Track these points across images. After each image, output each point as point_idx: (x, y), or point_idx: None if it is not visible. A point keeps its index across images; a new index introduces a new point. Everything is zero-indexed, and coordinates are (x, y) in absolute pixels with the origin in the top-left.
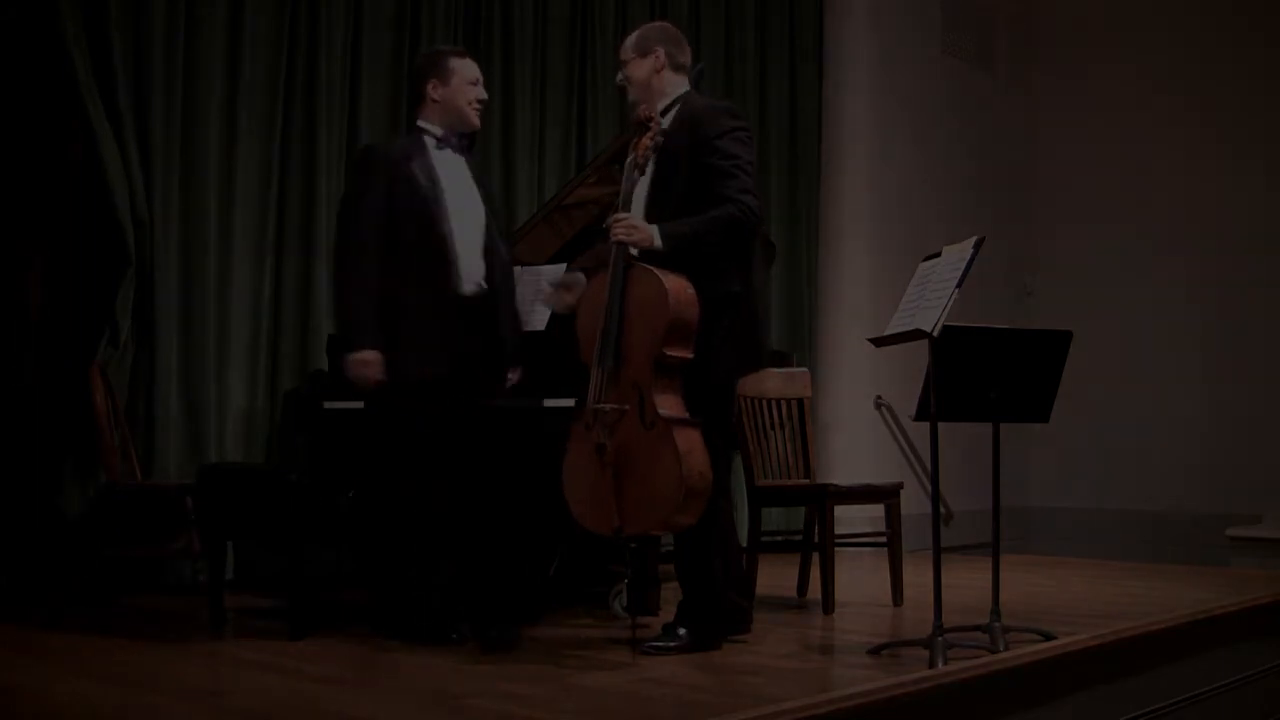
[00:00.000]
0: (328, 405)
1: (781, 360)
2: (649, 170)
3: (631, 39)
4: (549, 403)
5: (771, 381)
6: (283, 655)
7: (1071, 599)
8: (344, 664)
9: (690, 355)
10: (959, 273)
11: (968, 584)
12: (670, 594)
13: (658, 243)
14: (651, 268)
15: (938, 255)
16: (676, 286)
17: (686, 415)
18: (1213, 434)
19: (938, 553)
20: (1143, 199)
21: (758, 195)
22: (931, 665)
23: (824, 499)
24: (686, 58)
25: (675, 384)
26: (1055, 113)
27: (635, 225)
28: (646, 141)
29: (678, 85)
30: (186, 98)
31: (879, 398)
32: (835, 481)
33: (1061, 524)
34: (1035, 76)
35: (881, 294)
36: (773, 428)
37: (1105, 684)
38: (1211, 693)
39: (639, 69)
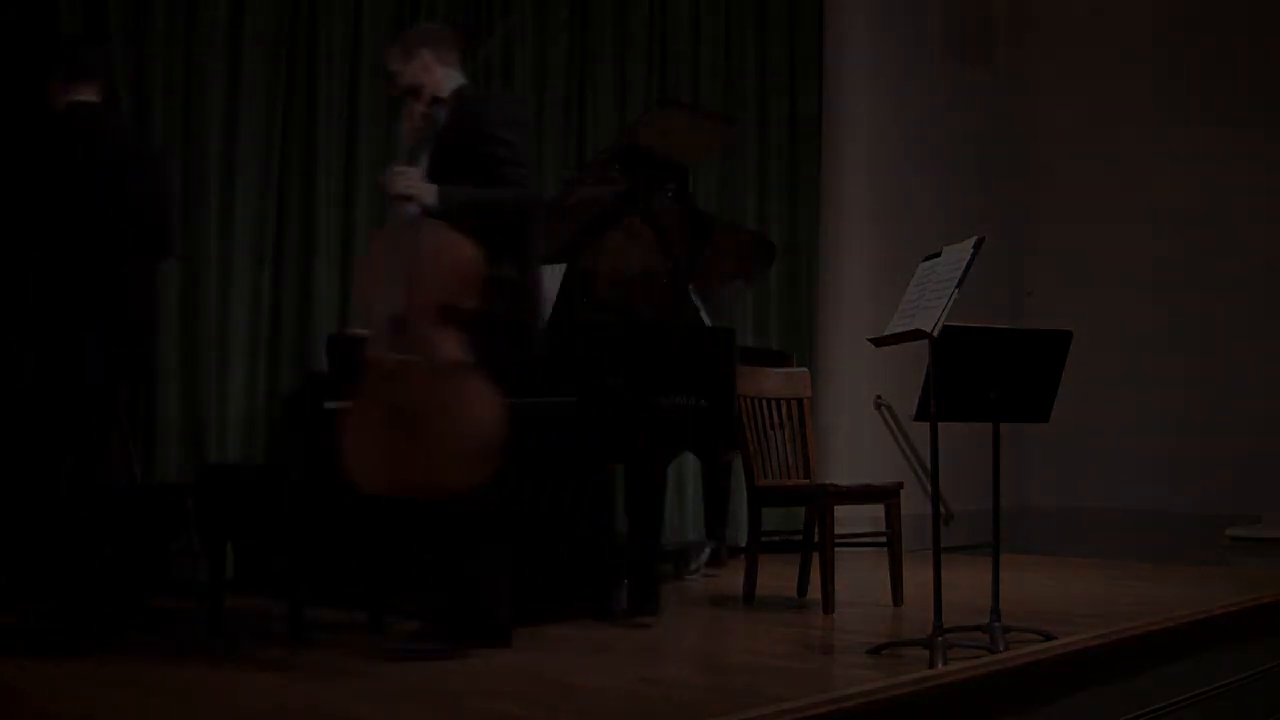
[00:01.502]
0: (327, 405)
1: (781, 360)
2: (424, 160)
3: (394, 49)
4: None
5: (771, 381)
6: (283, 655)
7: (1071, 599)
8: (344, 664)
9: (476, 306)
10: (959, 273)
11: (968, 584)
12: (669, 592)
13: (432, 200)
14: (437, 222)
15: (938, 255)
16: (462, 239)
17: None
18: (1213, 433)
19: (938, 553)
20: (1142, 198)
21: (534, 183)
22: (931, 665)
23: (824, 499)
24: (453, 54)
25: (462, 337)
26: (1055, 112)
27: (415, 181)
28: (421, 108)
29: (451, 79)
30: (186, 98)
31: (879, 398)
32: (835, 481)
33: (1061, 524)
34: (1035, 76)
35: (881, 294)
36: (773, 428)
37: (1105, 684)
38: (1211, 693)
39: (407, 74)
